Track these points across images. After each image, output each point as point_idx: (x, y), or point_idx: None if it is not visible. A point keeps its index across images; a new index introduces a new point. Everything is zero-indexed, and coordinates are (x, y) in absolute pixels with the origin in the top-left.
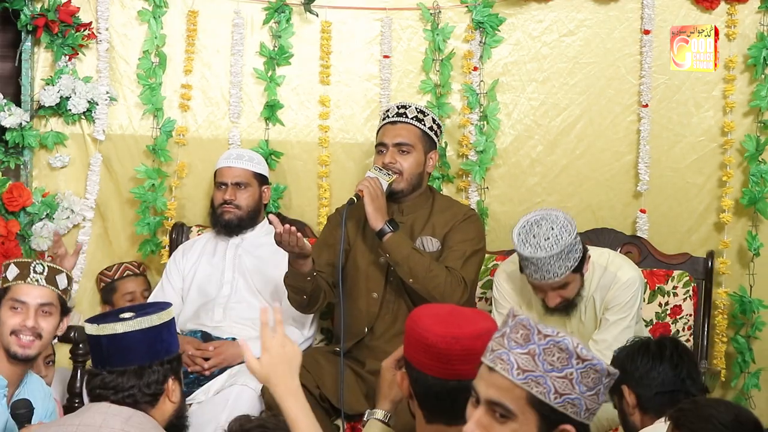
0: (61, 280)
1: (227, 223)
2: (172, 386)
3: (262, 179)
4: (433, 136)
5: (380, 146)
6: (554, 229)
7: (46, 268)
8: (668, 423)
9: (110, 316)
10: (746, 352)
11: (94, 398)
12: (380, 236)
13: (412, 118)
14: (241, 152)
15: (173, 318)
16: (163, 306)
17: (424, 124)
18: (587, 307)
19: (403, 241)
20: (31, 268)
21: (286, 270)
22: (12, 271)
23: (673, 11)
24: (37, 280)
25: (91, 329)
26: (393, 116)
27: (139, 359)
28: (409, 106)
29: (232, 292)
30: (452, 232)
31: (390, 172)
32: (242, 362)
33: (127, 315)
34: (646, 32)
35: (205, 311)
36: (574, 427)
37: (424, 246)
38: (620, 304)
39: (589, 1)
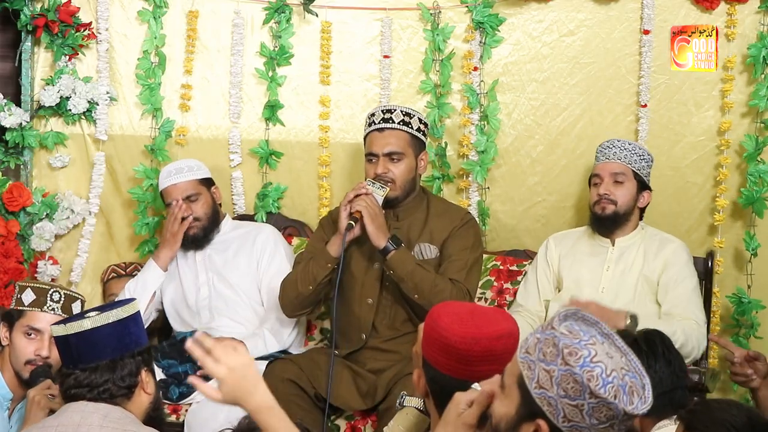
0: (76, 308)
1: (194, 238)
2: (146, 378)
3: (208, 182)
4: (422, 137)
5: (370, 156)
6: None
7: (63, 297)
8: (678, 424)
9: (75, 316)
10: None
11: (69, 399)
12: (384, 254)
13: (399, 123)
14: (179, 165)
15: (138, 311)
16: (128, 300)
17: (412, 127)
18: (635, 256)
19: (407, 257)
20: (48, 296)
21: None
22: (28, 296)
23: (673, 11)
24: (53, 309)
25: (59, 330)
26: (379, 122)
27: (110, 353)
28: (395, 110)
29: (211, 293)
30: (451, 240)
31: (383, 184)
32: None
33: (92, 313)
34: (646, 32)
35: (191, 316)
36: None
37: (422, 253)
38: (681, 263)
39: (589, 1)
